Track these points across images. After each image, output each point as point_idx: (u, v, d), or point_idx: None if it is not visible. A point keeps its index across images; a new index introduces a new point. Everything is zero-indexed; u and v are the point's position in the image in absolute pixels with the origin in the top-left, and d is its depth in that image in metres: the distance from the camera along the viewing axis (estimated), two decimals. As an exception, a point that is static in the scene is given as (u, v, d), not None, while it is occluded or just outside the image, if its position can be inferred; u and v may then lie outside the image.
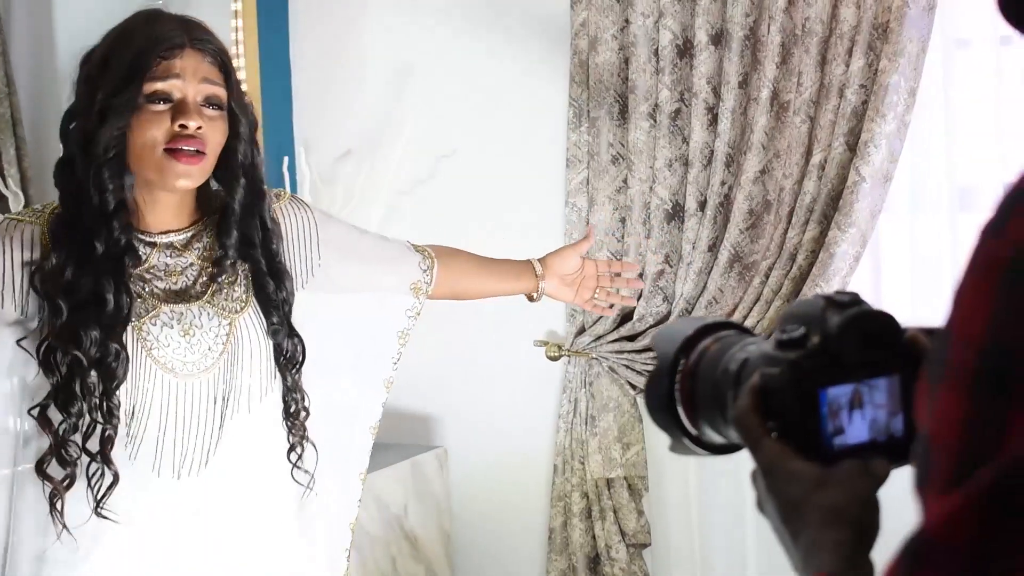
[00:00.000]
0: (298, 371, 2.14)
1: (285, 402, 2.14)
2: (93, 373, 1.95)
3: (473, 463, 3.92)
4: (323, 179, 3.90)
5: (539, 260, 2.54)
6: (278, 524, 2.16)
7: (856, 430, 0.90)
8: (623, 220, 3.54)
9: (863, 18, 3.14)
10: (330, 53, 4.06)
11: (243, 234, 2.09)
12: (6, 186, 3.31)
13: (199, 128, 1.97)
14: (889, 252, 3.41)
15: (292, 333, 2.12)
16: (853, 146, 3.18)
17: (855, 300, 0.90)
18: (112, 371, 1.96)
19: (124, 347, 1.97)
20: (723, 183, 3.36)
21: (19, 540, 2.04)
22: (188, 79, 1.98)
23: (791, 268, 3.29)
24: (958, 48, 3.27)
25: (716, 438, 1.02)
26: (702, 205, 3.41)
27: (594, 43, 3.51)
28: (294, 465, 2.16)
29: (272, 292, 2.10)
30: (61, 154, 2.03)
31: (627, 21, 3.46)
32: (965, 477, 0.59)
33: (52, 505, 1.98)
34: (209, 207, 2.13)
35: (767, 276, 3.33)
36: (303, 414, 2.16)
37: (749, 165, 3.29)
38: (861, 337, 0.89)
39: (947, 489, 0.60)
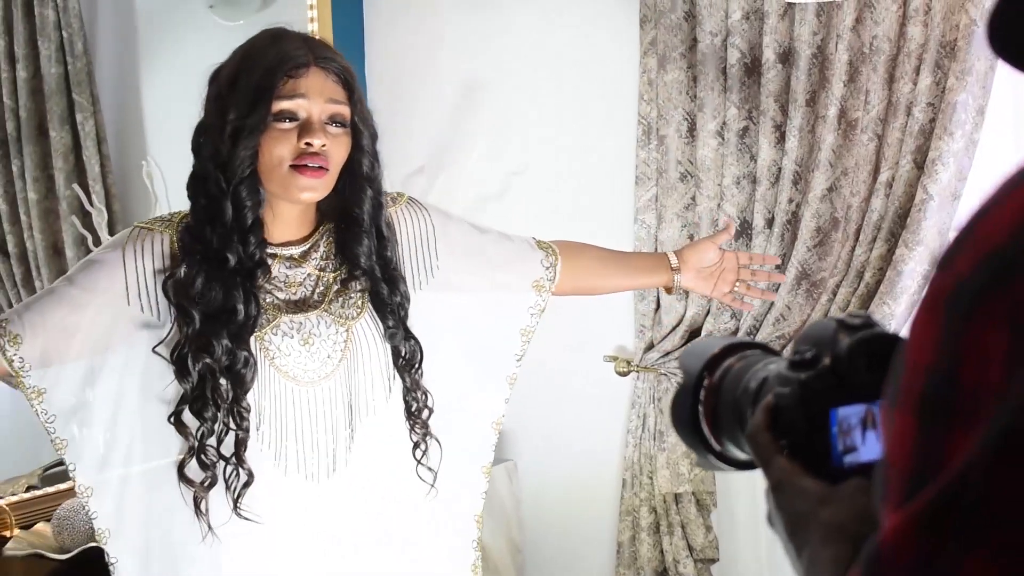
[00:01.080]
0: (417, 371, 2.19)
1: (406, 402, 2.19)
2: (223, 380, 2.02)
3: (543, 476, 3.95)
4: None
5: (675, 252, 2.52)
6: (406, 521, 2.23)
7: (869, 449, 0.93)
8: (691, 237, 3.57)
9: (931, 36, 3.14)
10: (404, 72, 4.12)
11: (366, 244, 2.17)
12: (91, 203, 3.39)
13: (323, 146, 2.03)
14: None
15: (408, 335, 2.18)
16: (921, 164, 3.18)
17: (866, 323, 0.93)
18: (241, 377, 2.03)
19: (252, 354, 2.04)
20: (790, 200, 3.37)
21: (161, 541, 2.11)
22: (313, 98, 2.04)
23: (858, 286, 3.30)
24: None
25: (738, 454, 1.05)
26: (770, 222, 3.43)
27: (663, 62, 3.54)
28: (418, 462, 2.21)
29: (387, 297, 2.16)
30: (193, 168, 2.10)
31: (695, 40, 3.49)
32: (914, 494, 0.63)
33: (196, 507, 2.05)
34: (324, 217, 2.20)
35: (834, 294, 3.34)
36: (425, 412, 2.22)
37: (816, 183, 3.30)
38: (870, 358, 0.92)
39: (899, 505, 0.65)
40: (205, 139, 2.08)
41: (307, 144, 2.02)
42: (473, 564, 2.36)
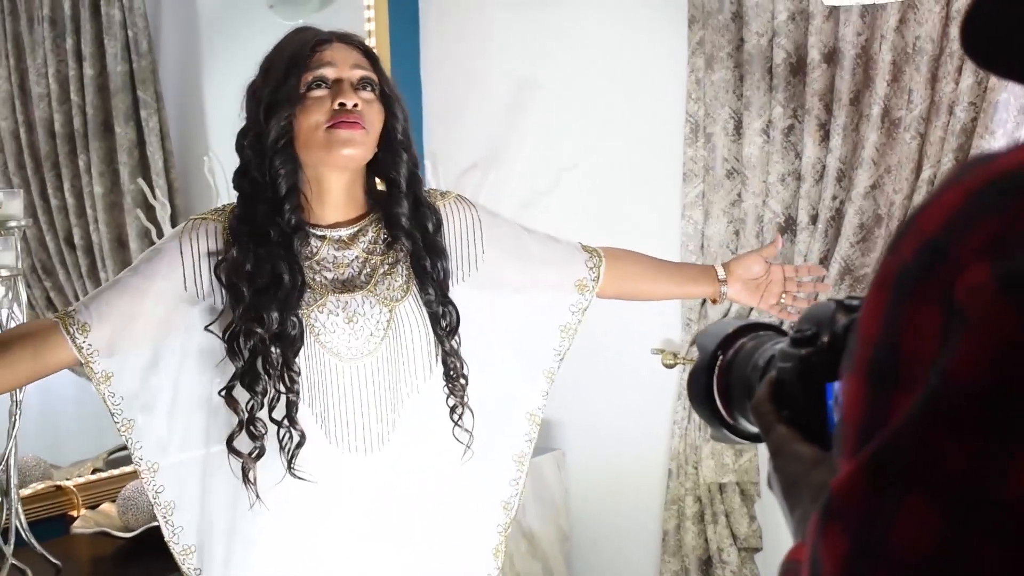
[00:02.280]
0: (454, 335, 2.25)
1: (446, 365, 2.25)
2: (274, 348, 2.10)
3: (590, 466, 4.00)
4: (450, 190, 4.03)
5: (723, 264, 2.57)
6: (438, 496, 2.28)
7: None
8: (737, 233, 3.63)
9: (973, 37, 3.17)
10: (459, 70, 4.19)
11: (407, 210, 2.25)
12: (154, 197, 3.46)
13: (356, 106, 2.13)
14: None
15: (446, 301, 2.24)
16: (963, 163, 3.20)
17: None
18: (291, 340, 2.11)
19: (300, 320, 2.13)
20: (834, 197, 3.42)
21: (213, 517, 2.20)
22: (341, 64, 2.15)
23: (901, 281, 3.33)
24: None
25: (750, 428, 1.13)
26: (814, 219, 3.47)
27: (710, 61, 3.60)
28: (455, 424, 2.27)
29: (428, 266, 2.23)
30: (238, 165, 2.22)
31: (742, 40, 3.55)
32: (863, 446, 0.72)
33: (245, 477, 2.13)
34: (373, 203, 2.28)
35: (877, 289, 3.37)
36: (463, 380, 2.27)
37: (860, 180, 3.34)
38: None
39: (851, 455, 0.74)
40: (247, 137, 2.18)
41: (341, 104, 2.12)
42: (495, 548, 2.40)
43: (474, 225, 2.35)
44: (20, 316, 2.73)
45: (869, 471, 0.70)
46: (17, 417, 2.72)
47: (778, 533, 3.68)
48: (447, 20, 4.18)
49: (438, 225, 2.28)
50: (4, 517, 2.74)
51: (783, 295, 2.56)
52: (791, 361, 1.00)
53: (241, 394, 2.13)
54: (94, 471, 3.30)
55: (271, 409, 2.11)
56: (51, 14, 3.41)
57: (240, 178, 2.21)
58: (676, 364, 3.78)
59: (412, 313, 2.22)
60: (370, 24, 3.85)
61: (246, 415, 2.11)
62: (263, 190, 2.15)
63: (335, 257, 2.22)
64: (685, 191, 3.71)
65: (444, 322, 2.24)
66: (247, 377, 2.11)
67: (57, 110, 3.43)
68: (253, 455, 2.12)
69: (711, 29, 3.59)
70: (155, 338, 2.16)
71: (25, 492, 2.96)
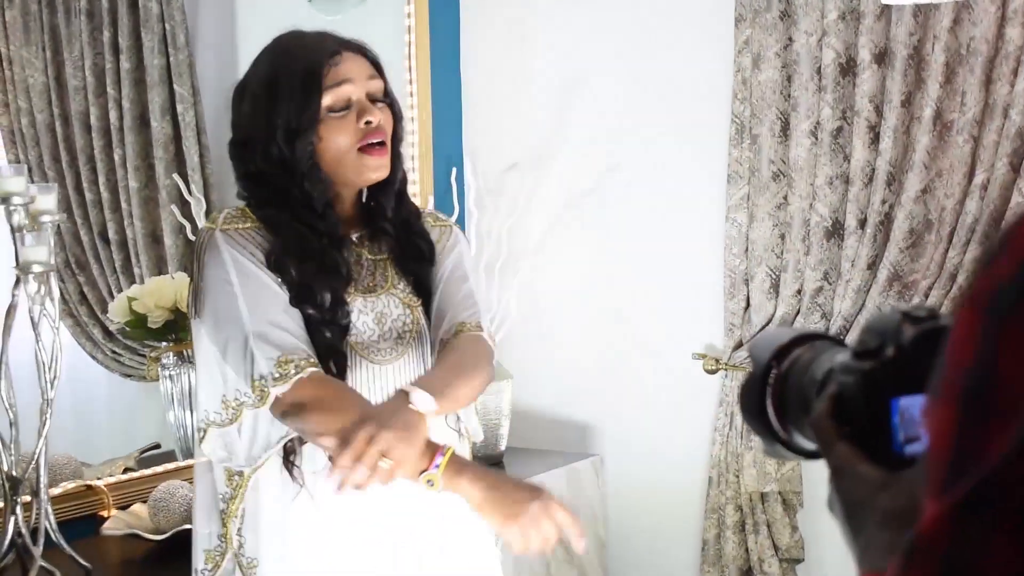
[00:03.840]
0: (430, 302, 2.28)
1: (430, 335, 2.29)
2: (327, 332, 2.12)
3: (629, 472, 3.96)
4: (489, 190, 3.99)
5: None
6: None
7: None
8: (782, 236, 3.56)
9: (1029, 38, 3.11)
10: (499, 68, 4.15)
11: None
12: (190, 192, 3.44)
13: (380, 121, 2.15)
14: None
15: (428, 275, 2.30)
16: (1017, 167, 3.15)
17: (931, 315, 0.94)
18: (342, 326, 2.14)
19: (348, 305, 2.16)
20: (884, 201, 3.35)
21: (260, 509, 2.19)
22: (357, 79, 2.15)
23: (951, 288, 3.27)
24: None
25: (805, 443, 1.06)
26: (862, 223, 3.41)
27: (757, 61, 3.54)
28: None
29: (412, 251, 2.29)
30: (248, 178, 2.21)
31: (790, 39, 3.49)
32: (954, 483, 0.65)
33: (287, 460, 2.14)
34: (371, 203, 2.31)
35: (927, 296, 3.31)
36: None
37: (910, 184, 3.28)
38: (934, 350, 0.93)
39: (939, 494, 0.66)
40: (249, 151, 2.16)
41: (367, 123, 2.13)
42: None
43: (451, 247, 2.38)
44: (53, 312, 2.69)
45: (961, 514, 0.63)
46: (48, 416, 2.68)
47: (820, 544, 3.62)
48: (488, 16, 4.14)
49: (418, 216, 2.33)
50: (34, 517, 2.70)
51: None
52: (854, 375, 0.94)
53: None
54: (125, 470, 3.26)
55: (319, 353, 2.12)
56: (88, 6, 3.40)
57: (258, 186, 2.19)
58: (718, 370, 3.72)
59: (422, 320, 2.30)
60: (410, 19, 3.81)
61: None
62: (295, 198, 2.14)
63: (351, 262, 2.25)
64: (730, 193, 3.65)
65: (428, 291, 2.29)
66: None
67: (93, 103, 3.42)
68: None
69: (758, 28, 3.53)
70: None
71: (55, 491, 2.93)
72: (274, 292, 2.11)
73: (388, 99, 2.22)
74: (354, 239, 2.26)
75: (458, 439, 2.34)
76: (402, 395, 1.98)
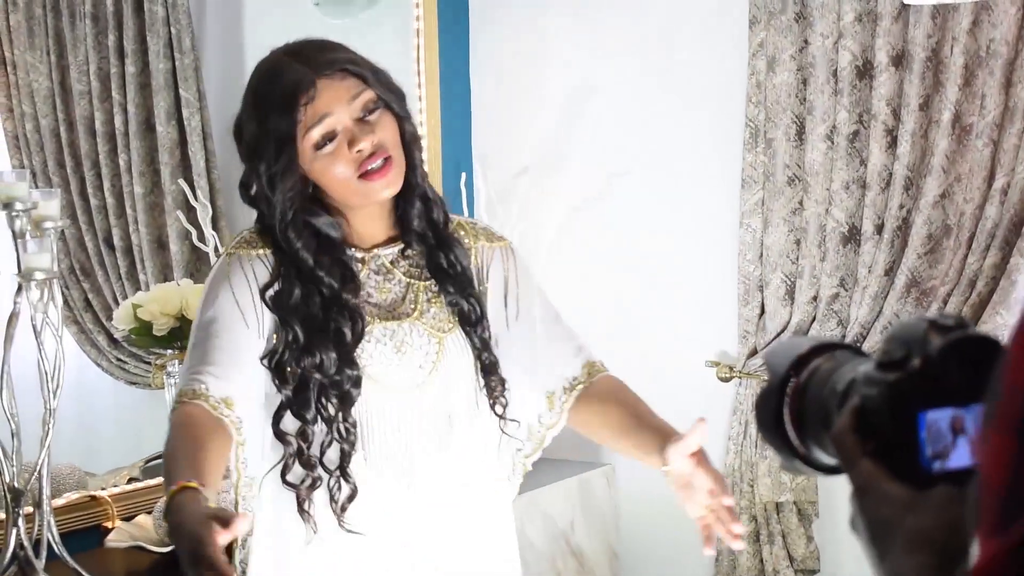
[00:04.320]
0: (479, 326, 2.20)
1: (480, 362, 2.20)
2: (332, 396, 2.06)
3: (640, 481, 3.90)
4: (499, 195, 3.96)
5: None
6: (489, 506, 2.25)
7: (959, 455, 0.89)
8: (798, 242, 3.52)
9: (1050, 40, 3.07)
10: (509, 73, 4.12)
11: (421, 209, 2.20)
12: (196, 198, 3.42)
13: (374, 142, 2.05)
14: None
15: (467, 295, 2.19)
16: None
17: (959, 324, 0.89)
18: (349, 396, 2.07)
19: (359, 373, 2.08)
20: (901, 206, 3.31)
21: (287, 542, 2.16)
22: (337, 108, 2.05)
23: (970, 295, 3.22)
24: None
25: (824, 458, 1.01)
26: (879, 228, 3.36)
27: (772, 64, 3.49)
28: (500, 416, 2.23)
29: (442, 261, 2.18)
30: (259, 216, 2.16)
31: (806, 42, 3.44)
32: (1012, 521, 0.59)
33: (301, 508, 2.09)
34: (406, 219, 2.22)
35: (945, 303, 3.26)
36: (492, 376, 2.22)
37: (928, 189, 3.24)
38: (963, 361, 0.88)
39: (994, 532, 0.61)
40: (251, 192, 2.13)
41: (359, 152, 2.04)
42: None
43: (514, 282, 2.30)
44: (56, 320, 2.66)
45: (1019, 558, 0.57)
46: (50, 426, 2.65)
47: (837, 555, 3.58)
48: (497, 19, 4.11)
49: (445, 224, 2.22)
50: (36, 529, 2.67)
51: (708, 509, 2.11)
52: (878, 387, 0.90)
53: (290, 425, 2.10)
54: (130, 480, 3.24)
55: (322, 453, 2.08)
56: (93, 10, 3.39)
57: (271, 230, 2.14)
58: (731, 378, 3.68)
59: (459, 342, 2.18)
60: (419, 23, 3.79)
61: (296, 447, 2.09)
62: (294, 259, 2.11)
63: (377, 282, 2.18)
64: (744, 198, 3.60)
65: (471, 315, 2.19)
66: (295, 406, 2.08)
67: (98, 108, 3.41)
68: (307, 485, 2.09)
69: (773, 30, 3.48)
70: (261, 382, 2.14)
71: (58, 502, 2.91)
72: (232, 339, 2.08)
73: (383, 105, 2.10)
74: (384, 261, 2.19)
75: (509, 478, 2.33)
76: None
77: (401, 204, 2.18)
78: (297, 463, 2.09)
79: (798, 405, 1.02)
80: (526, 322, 2.29)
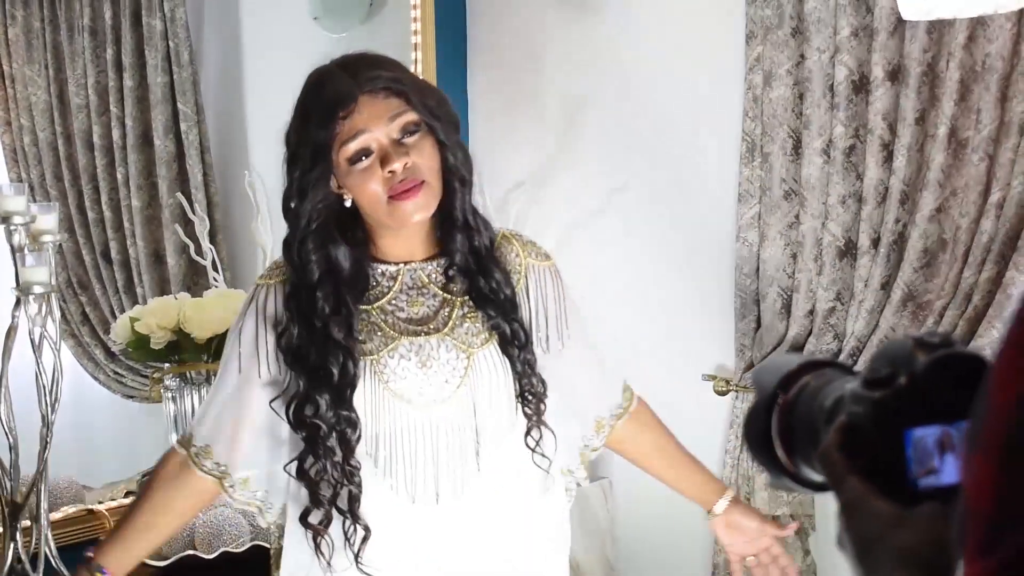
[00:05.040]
0: (524, 350, 2.19)
1: (520, 385, 2.19)
2: (332, 438, 2.07)
3: (638, 494, 3.92)
4: (496, 209, 3.97)
5: (733, 499, 2.51)
6: (528, 527, 2.24)
7: (947, 472, 0.89)
8: (794, 256, 3.52)
9: (1045, 54, 3.08)
10: (507, 84, 4.14)
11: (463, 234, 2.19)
12: (193, 211, 3.43)
13: (407, 166, 2.04)
14: (1070, 295, 3.32)
15: (510, 319, 2.18)
16: None
17: (945, 342, 0.90)
18: (347, 438, 2.07)
19: (356, 415, 2.08)
20: (897, 221, 3.31)
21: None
22: (375, 126, 2.04)
23: (966, 308, 3.22)
24: None
25: (813, 475, 1.02)
26: (875, 242, 3.37)
27: (769, 78, 3.50)
28: (532, 450, 2.21)
29: (484, 286, 2.17)
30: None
31: (802, 56, 3.45)
32: (997, 543, 0.59)
33: (317, 547, 2.12)
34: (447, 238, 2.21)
35: (941, 316, 3.27)
36: (533, 398, 2.21)
37: (924, 203, 3.24)
38: (948, 378, 0.88)
39: (979, 554, 0.61)
40: (287, 203, 2.13)
41: (391, 172, 2.03)
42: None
43: (560, 310, 2.31)
44: (54, 334, 2.67)
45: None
46: (48, 440, 2.66)
47: (834, 568, 3.58)
48: (496, 33, 4.14)
49: (491, 245, 2.21)
50: (33, 543, 2.68)
51: (755, 558, 2.49)
52: (864, 405, 0.91)
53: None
54: (127, 494, 3.25)
55: (335, 495, 2.10)
56: (91, 24, 3.42)
57: (287, 249, 2.16)
58: (728, 391, 3.69)
59: (491, 358, 2.17)
60: (416, 37, 3.81)
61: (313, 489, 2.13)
62: (301, 272, 2.12)
63: (410, 296, 2.17)
64: (740, 212, 3.61)
65: (514, 339, 2.18)
66: (305, 451, 2.12)
67: (96, 122, 3.44)
68: (321, 524, 2.12)
69: (770, 45, 3.49)
70: (267, 429, 2.18)
71: (56, 516, 2.92)
72: (234, 403, 2.17)
73: (424, 129, 2.09)
74: (418, 274, 2.18)
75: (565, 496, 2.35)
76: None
77: (442, 232, 2.18)
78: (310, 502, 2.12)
79: (786, 423, 1.03)
80: (571, 348, 2.30)
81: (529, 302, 2.25)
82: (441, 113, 2.13)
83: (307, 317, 2.08)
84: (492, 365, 2.15)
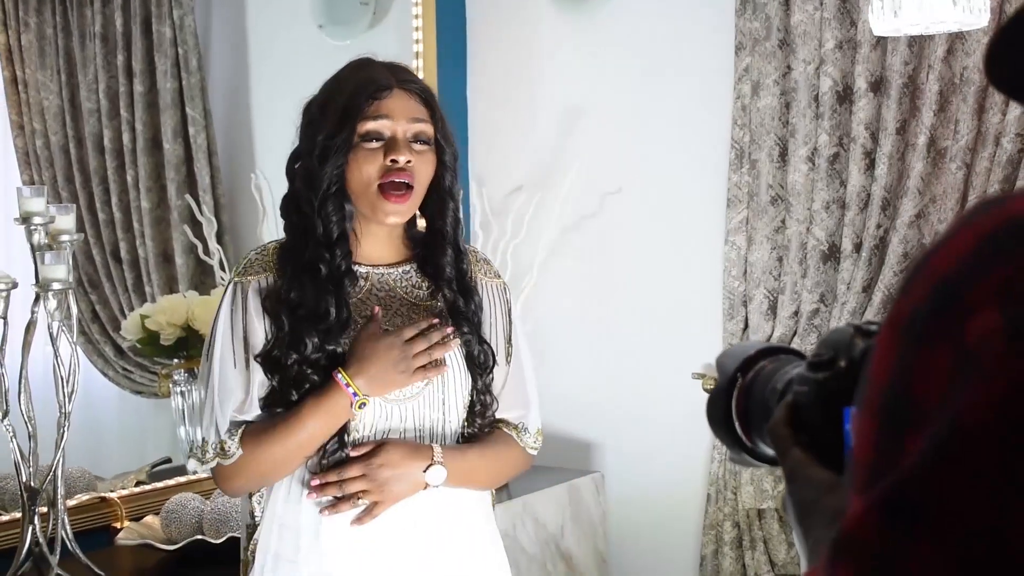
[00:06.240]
0: (488, 375, 2.28)
1: (473, 402, 2.26)
2: (314, 376, 2.14)
3: (629, 489, 3.98)
4: (494, 212, 4.04)
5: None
6: (476, 511, 2.31)
7: None
8: (780, 259, 3.62)
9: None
10: (505, 92, 4.20)
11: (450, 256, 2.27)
12: (201, 212, 3.49)
13: (408, 162, 2.14)
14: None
15: (481, 341, 2.27)
16: (975, 204, 3.17)
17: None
18: (323, 367, 2.14)
19: (343, 350, 2.15)
20: (879, 226, 3.40)
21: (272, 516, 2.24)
22: (397, 118, 2.15)
23: (944, 311, 3.30)
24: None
25: (768, 450, 1.13)
26: (858, 247, 3.46)
27: (756, 88, 3.60)
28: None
29: (463, 307, 2.25)
30: (287, 191, 2.24)
31: (789, 68, 3.55)
32: (874, 483, 0.72)
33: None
34: (414, 244, 2.30)
35: (920, 318, 3.34)
36: (489, 414, 2.31)
37: (905, 209, 3.33)
38: None
39: (861, 492, 0.74)
40: (299, 164, 2.20)
41: (393, 161, 2.12)
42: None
43: (509, 326, 2.38)
44: (71, 328, 2.75)
45: (880, 513, 0.70)
46: (65, 429, 2.74)
47: (817, 562, 3.64)
48: (495, 42, 4.20)
49: (465, 274, 2.29)
50: (50, 527, 2.75)
51: None
52: (809, 385, 1.00)
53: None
54: (137, 483, 3.31)
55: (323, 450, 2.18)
56: (103, 31, 3.45)
57: (288, 206, 2.23)
58: (717, 389, 3.74)
59: (455, 359, 2.24)
60: (418, 45, 3.87)
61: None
62: (313, 227, 2.17)
63: (379, 299, 2.24)
64: (729, 216, 3.70)
65: (481, 360, 2.27)
66: (281, 394, 2.16)
67: (107, 125, 3.47)
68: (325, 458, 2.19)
69: (758, 56, 3.59)
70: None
71: (70, 503, 2.98)
72: (233, 377, 2.19)
73: (435, 144, 2.20)
74: (387, 277, 2.26)
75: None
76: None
77: (432, 246, 2.26)
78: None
79: (745, 403, 1.13)
80: (512, 364, 2.36)
81: (485, 317, 2.34)
82: (451, 142, 2.25)
83: (310, 270, 2.15)
84: (456, 363, 2.23)
